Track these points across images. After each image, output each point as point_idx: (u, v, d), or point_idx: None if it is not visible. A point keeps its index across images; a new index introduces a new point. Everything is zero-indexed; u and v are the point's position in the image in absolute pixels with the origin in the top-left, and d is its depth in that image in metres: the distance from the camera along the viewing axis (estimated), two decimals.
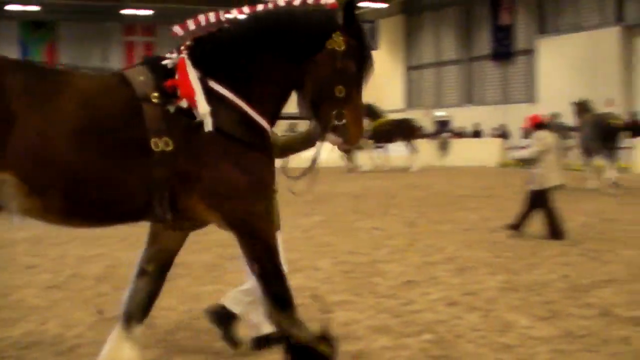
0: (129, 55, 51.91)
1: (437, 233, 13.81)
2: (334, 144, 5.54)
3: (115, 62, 50.76)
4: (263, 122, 5.30)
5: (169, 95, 5.10)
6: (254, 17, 5.46)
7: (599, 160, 22.37)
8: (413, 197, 21.00)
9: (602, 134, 21.65)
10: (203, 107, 5.08)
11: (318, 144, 5.69)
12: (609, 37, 36.98)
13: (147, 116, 5.02)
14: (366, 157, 33.28)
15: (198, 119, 5.07)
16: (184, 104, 5.08)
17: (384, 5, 49.46)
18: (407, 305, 8.30)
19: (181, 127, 5.07)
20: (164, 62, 5.28)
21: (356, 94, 5.45)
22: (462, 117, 44.45)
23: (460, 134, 41.81)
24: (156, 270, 5.64)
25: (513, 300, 8.49)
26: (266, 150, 5.36)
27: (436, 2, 48.52)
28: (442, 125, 45.37)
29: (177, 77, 5.15)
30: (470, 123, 42.60)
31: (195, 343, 6.97)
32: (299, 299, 8.64)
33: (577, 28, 39.10)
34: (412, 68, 51.00)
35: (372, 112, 32.28)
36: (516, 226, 13.18)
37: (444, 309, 8.11)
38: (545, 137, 13.26)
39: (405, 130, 33.32)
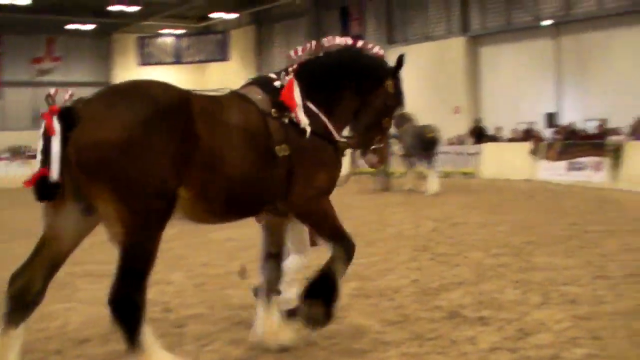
0: None
1: None
2: (370, 161, 7.40)
3: None
4: (337, 136, 6.83)
5: (283, 109, 6.51)
6: (338, 55, 7.09)
7: (419, 166, 25.58)
8: None
9: (421, 144, 24.68)
10: (303, 120, 6.53)
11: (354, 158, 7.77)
12: (456, 47, 38.11)
13: (271, 128, 6.39)
14: None
15: (302, 128, 6.51)
16: (293, 116, 6.51)
17: (235, 16, 49.38)
18: None
19: (293, 135, 6.47)
20: (276, 83, 6.74)
21: (389, 125, 7.53)
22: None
23: None
24: (279, 251, 7.21)
25: (365, 306, 8.63)
26: (339, 157, 6.90)
27: (287, 12, 48.75)
28: None
29: (284, 92, 6.59)
30: None
31: None
32: (150, 313, 8.56)
33: (425, 38, 40.11)
34: None
35: None
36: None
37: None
38: None
39: None
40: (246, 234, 14.74)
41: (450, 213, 17.90)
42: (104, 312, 8.67)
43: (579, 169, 26.07)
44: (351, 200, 22.31)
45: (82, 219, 5.71)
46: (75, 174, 5.43)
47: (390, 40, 41.97)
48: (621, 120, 28.21)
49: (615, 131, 26.04)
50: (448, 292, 9.26)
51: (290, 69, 6.94)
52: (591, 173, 25.33)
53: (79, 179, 5.44)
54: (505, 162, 29.60)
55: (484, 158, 30.88)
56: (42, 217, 5.71)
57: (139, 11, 45.83)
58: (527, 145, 29.06)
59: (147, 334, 5.70)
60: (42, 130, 5.48)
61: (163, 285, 10.26)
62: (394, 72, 7.41)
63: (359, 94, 7.09)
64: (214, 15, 49.15)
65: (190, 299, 9.36)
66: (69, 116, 5.44)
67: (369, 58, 7.24)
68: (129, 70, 52.44)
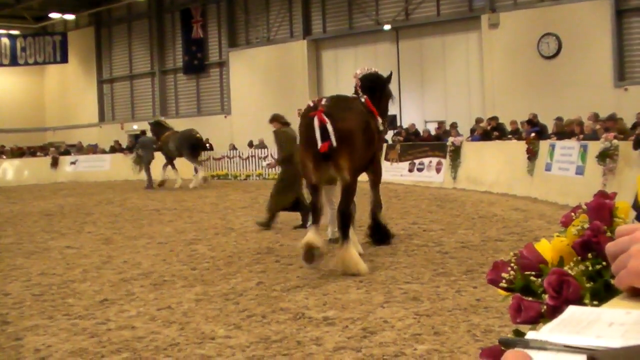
0: None
1: (133, 248, 13.62)
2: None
3: None
4: (382, 126, 12.40)
5: (371, 113, 11.82)
6: (372, 76, 12.68)
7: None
8: (109, 213, 20.59)
9: (190, 145, 29.19)
10: (380, 122, 12.12)
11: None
12: (298, 50, 38.41)
13: (373, 124, 11.67)
14: None
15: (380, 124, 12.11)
16: (378, 119, 12.01)
17: (73, 17, 48.04)
18: (103, 325, 8.12)
19: (377, 128, 11.83)
20: (362, 99, 11.93)
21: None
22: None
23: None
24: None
25: (209, 310, 8.55)
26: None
27: (126, 14, 47.90)
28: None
29: (369, 105, 11.88)
30: None
31: None
32: None
33: (267, 41, 40.22)
34: (104, 82, 49.96)
35: None
36: None
37: (141, 325, 8.01)
38: None
39: None
40: (87, 241, 14.42)
41: (294, 215, 17.94)
42: None
43: (420, 169, 26.73)
44: (190, 204, 22.14)
45: (329, 171, 10.86)
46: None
47: (233, 43, 41.90)
48: (458, 121, 29.13)
49: (452, 132, 26.81)
50: (293, 293, 9.28)
51: (358, 88, 12.25)
52: (431, 173, 26.01)
53: (333, 147, 10.40)
54: None
55: None
56: (311, 175, 10.79)
57: None
58: None
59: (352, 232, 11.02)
60: (316, 122, 10.40)
61: None
62: (388, 80, 13.06)
63: (383, 94, 12.62)
64: (52, 15, 47.55)
65: (29, 310, 9.03)
66: (327, 113, 10.50)
67: (379, 75, 12.84)
68: None
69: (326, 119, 10.38)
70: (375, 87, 12.39)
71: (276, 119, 15.95)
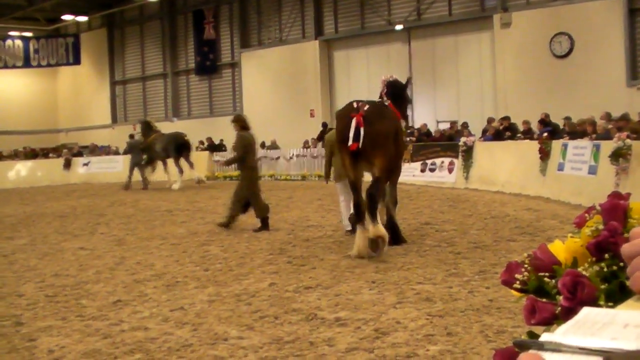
0: None
1: (145, 249, 13.64)
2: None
3: None
4: (403, 126, 13.81)
5: (396, 116, 12.86)
6: (395, 81, 13.82)
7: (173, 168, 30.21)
8: (122, 214, 20.64)
9: (177, 147, 29.69)
10: (403, 123, 13.74)
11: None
12: (309, 50, 38.39)
13: (400, 128, 12.90)
14: None
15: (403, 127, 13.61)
16: (402, 122, 13.44)
17: (85, 18, 48.17)
18: (116, 326, 8.13)
19: (403, 131, 13.47)
20: (386, 103, 12.92)
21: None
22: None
23: None
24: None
25: (222, 311, 8.55)
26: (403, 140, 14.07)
27: (139, 15, 47.98)
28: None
29: (392, 109, 12.83)
30: None
31: None
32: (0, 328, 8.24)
33: (279, 42, 40.22)
34: (117, 83, 50.07)
35: None
36: None
37: (154, 327, 8.01)
38: None
39: None
40: (100, 243, 14.46)
41: (306, 216, 17.97)
42: None
43: (432, 169, 26.68)
44: (202, 205, 22.16)
45: (363, 168, 12.16)
46: (366, 144, 11.59)
47: (245, 44, 41.92)
48: (470, 121, 29.10)
49: (465, 132, 26.76)
50: (305, 294, 9.28)
51: (383, 94, 13.33)
52: (444, 173, 25.96)
53: (367, 147, 11.60)
54: None
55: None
56: (348, 171, 12.06)
57: None
58: None
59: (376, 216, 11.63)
60: (354, 123, 11.60)
61: (13, 297, 9.92)
62: (406, 85, 14.22)
63: (405, 99, 14.02)
64: (65, 17, 47.65)
65: (43, 311, 9.06)
66: (365, 117, 11.68)
67: (399, 81, 13.96)
68: None
69: (362, 123, 11.63)
70: (396, 92, 13.55)
71: (236, 121, 15.93)
